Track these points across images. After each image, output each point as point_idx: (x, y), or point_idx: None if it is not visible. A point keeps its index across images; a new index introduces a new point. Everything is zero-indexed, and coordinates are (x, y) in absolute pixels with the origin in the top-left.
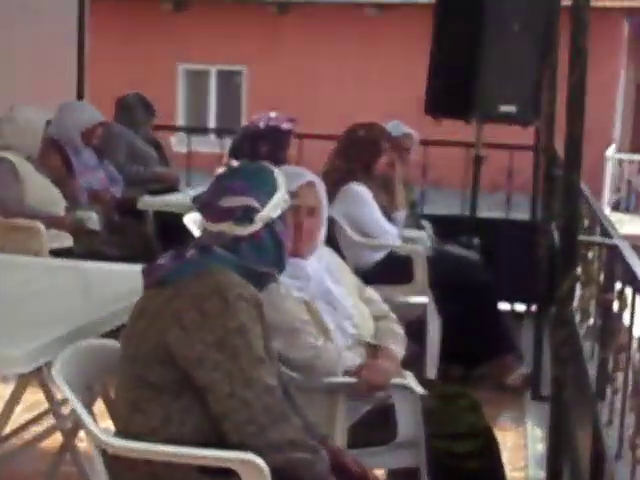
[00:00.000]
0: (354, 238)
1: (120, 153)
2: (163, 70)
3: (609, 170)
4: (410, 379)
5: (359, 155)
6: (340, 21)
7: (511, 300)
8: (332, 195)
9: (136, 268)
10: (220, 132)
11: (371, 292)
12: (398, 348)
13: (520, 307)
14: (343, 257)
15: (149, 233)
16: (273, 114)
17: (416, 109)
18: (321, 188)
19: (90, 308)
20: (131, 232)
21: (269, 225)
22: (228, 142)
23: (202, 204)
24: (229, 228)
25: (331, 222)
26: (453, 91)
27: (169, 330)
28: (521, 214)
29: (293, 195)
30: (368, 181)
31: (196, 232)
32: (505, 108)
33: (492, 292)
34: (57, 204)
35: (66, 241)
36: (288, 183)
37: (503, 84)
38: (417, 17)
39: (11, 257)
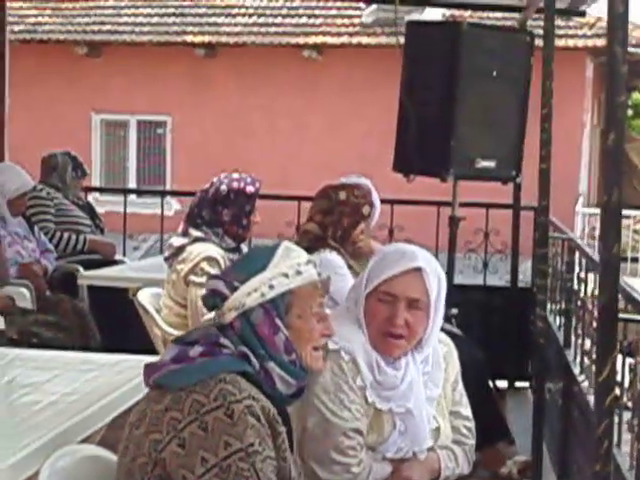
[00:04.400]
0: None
1: (49, 219)
2: (76, 121)
3: (579, 227)
4: None
5: (337, 221)
6: (275, 64)
7: (492, 376)
8: None
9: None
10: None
11: (462, 405)
12: (447, 463)
13: (501, 384)
14: None
15: (84, 310)
16: (236, 175)
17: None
18: (432, 276)
19: (67, 408)
20: (66, 310)
21: (245, 314)
22: (154, 202)
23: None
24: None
25: None
26: (426, 145)
27: (166, 444)
28: (497, 279)
29: (389, 282)
30: (340, 248)
31: (151, 309)
32: (484, 163)
33: (483, 370)
34: None
35: None
36: (389, 266)
37: (481, 136)
38: (360, 59)
39: None
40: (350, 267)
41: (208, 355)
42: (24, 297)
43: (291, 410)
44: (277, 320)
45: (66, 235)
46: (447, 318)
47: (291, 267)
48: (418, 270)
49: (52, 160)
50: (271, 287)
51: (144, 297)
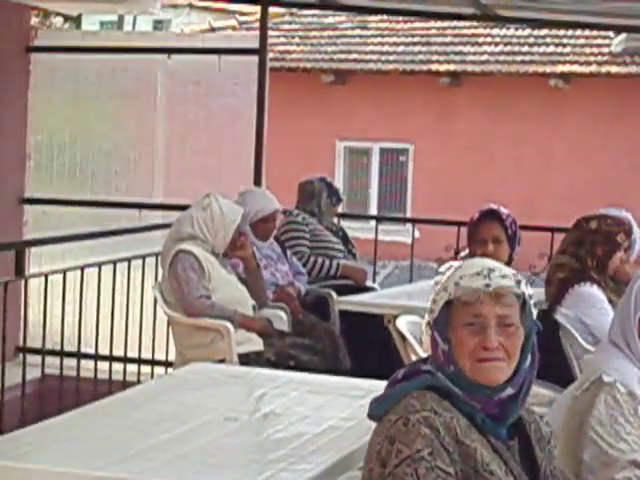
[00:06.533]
0: (586, 347)
1: (304, 244)
2: (322, 148)
3: None
4: None
5: (590, 251)
6: (520, 93)
7: None
8: (559, 296)
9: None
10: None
11: None
12: None
13: None
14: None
15: (337, 334)
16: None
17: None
18: None
19: (347, 433)
20: (320, 333)
21: (431, 327)
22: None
23: None
24: None
25: (558, 328)
26: None
27: (374, 470)
28: None
29: None
30: (601, 281)
31: (409, 336)
32: None
33: None
34: (244, 304)
35: (255, 344)
36: None
37: None
38: (608, 89)
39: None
40: (611, 301)
41: (408, 377)
42: (280, 319)
43: (564, 445)
44: (436, 334)
45: (320, 260)
46: None
47: (453, 279)
48: None
49: (309, 186)
50: (434, 302)
51: (402, 324)
